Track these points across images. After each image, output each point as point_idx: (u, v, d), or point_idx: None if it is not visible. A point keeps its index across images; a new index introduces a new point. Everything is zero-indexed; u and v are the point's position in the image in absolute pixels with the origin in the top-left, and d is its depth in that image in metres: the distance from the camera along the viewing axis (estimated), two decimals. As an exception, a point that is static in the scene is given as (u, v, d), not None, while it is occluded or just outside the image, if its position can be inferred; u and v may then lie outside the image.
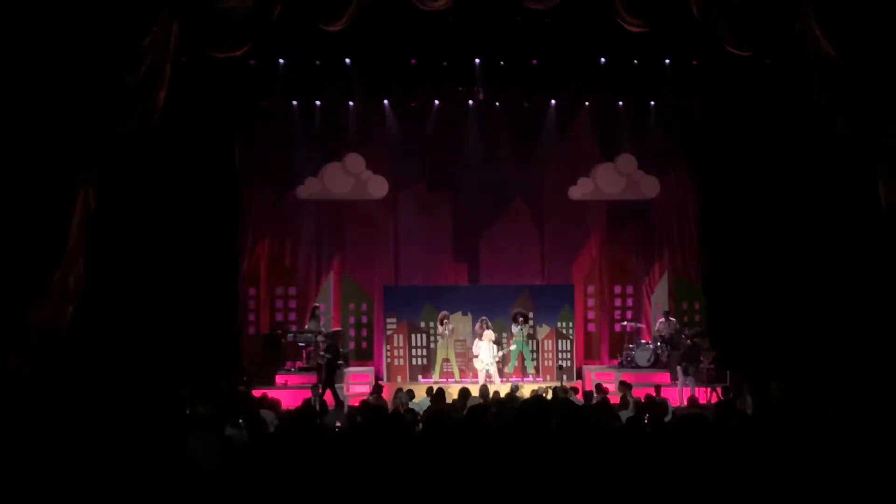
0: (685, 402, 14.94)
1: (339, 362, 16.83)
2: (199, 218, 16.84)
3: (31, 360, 11.50)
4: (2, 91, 11.33)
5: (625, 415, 11.00)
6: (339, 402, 14.04)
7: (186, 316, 16.18)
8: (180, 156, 16.32)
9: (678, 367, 16.68)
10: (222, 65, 15.02)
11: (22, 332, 11.44)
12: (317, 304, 18.33)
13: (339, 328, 18.50)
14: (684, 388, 16.15)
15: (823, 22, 12.57)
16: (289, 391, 16.14)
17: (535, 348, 17.99)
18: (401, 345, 17.89)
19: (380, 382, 16.36)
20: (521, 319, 17.65)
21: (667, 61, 17.51)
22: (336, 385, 16.69)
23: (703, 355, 16.61)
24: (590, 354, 19.28)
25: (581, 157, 19.40)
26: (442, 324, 17.62)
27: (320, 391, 15.06)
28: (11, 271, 11.38)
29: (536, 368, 17.89)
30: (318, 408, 13.13)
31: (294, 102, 18.66)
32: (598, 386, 14.47)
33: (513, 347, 17.52)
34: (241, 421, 9.69)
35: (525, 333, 17.66)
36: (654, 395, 13.54)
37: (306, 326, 18.01)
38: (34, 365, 11.51)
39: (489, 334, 17.03)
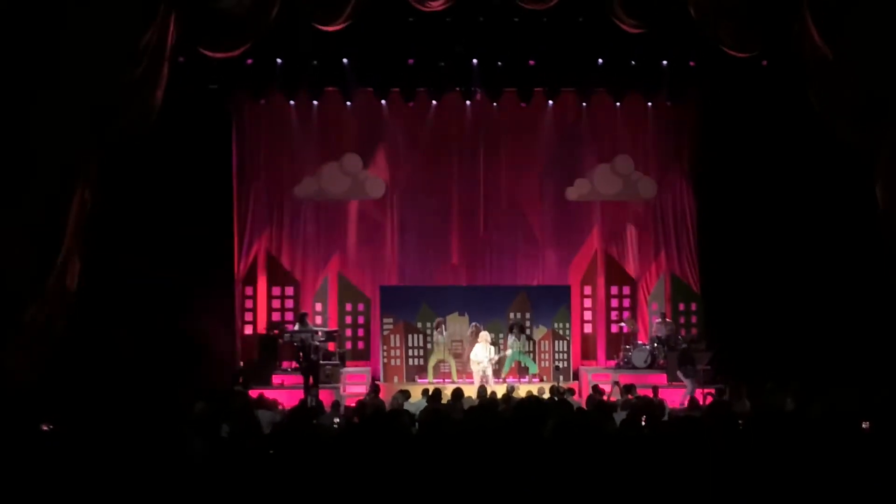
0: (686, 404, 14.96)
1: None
2: (195, 217, 16.82)
3: (28, 358, 11.50)
4: (0, 89, 11.34)
5: (621, 416, 10.98)
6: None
7: (182, 315, 16.16)
8: (177, 155, 16.31)
9: (678, 372, 16.66)
10: (220, 64, 15.01)
11: (18, 330, 11.44)
12: (305, 312, 18.25)
13: (335, 328, 18.47)
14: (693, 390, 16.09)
15: (821, 24, 12.60)
16: (285, 391, 16.14)
17: (531, 349, 17.91)
18: (397, 345, 17.86)
19: (376, 382, 16.34)
20: (516, 330, 17.59)
21: (664, 62, 17.48)
22: (332, 385, 16.71)
23: (698, 358, 16.60)
24: (586, 355, 19.26)
25: (578, 158, 19.38)
26: (438, 330, 17.62)
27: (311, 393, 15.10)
28: (8, 269, 11.37)
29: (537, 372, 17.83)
30: (314, 407, 13.12)
31: (291, 102, 18.63)
32: (596, 388, 14.48)
33: (508, 352, 17.45)
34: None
35: (521, 344, 17.58)
36: (651, 396, 13.54)
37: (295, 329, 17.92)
38: (30, 363, 11.51)
39: (485, 335, 16.99)
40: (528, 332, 17.89)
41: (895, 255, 12.84)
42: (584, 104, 18.88)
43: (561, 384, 15.89)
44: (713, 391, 15.15)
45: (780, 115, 16.40)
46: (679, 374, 16.57)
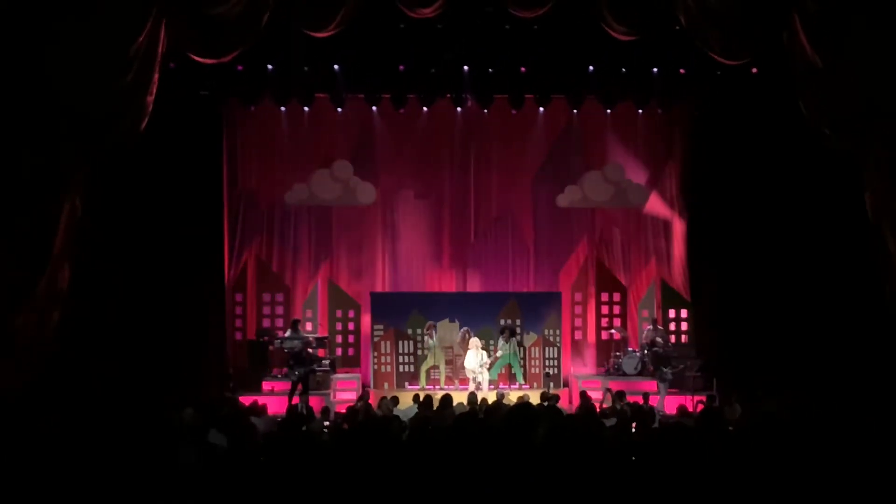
0: (663, 410, 14.98)
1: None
2: (186, 224, 16.76)
3: (17, 365, 11.45)
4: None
5: (612, 423, 10.98)
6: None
7: (173, 322, 16.12)
8: (167, 162, 16.26)
9: (656, 376, 16.72)
10: (211, 70, 15.01)
11: (8, 337, 11.40)
12: (297, 318, 18.24)
13: (325, 334, 18.44)
14: (664, 396, 16.13)
15: (811, 32, 12.64)
16: (275, 397, 16.11)
17: (522, 355, 17.93)
18: (388, 351, 17.85)
19: (367, 389, 16.32)
20: (507, 334, 17.59)
21: (655, 70, 17.50)
22: (322, 391, 16.68)
23: (674, 362, 16.65)
24: (577, 362, 19.28)
25: (569, 165, 19.42)
26: (429, 334, 17.59)
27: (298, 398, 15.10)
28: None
29: (525, 377, 17.83)
30: (304, 414, 13.10)
31: (282, 108, 18.62)
32: (584, 394, 14.49)
33: (499, 354, 17.45)
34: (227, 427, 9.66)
35: (512, 347, 17.58)
36: (641, 402, 13.55)
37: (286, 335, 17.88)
38: (20, 370, 11.47)
39: (475, 342, 17.00)
40: (518, 336, 17.89)
41: (885, 263, 12.88)
42: (575, 111, 18.92)
43: (551, 391, 15.89)
44: (704, 398, 15.19)
45: (770, 123, 16.42)
46: (657, 377, 16.61)
